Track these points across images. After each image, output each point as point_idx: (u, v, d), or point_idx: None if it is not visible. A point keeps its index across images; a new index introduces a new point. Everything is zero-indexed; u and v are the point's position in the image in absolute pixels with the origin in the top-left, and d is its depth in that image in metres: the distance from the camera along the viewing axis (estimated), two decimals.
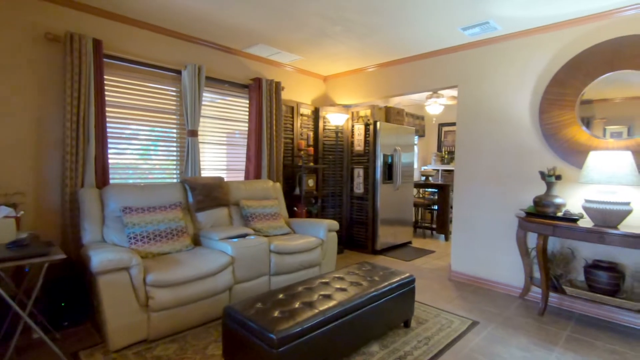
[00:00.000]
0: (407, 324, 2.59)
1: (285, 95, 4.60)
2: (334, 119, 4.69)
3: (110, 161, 3.12)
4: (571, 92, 2.98)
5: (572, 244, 3.03)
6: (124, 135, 3.22)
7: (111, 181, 3.12)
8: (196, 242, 3.12)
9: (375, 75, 4.55)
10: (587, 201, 2.63)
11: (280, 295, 2.09)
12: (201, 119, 3.76)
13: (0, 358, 2.07)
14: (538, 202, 2.92)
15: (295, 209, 4.45)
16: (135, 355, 2.15)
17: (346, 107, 4.96)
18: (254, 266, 2.88)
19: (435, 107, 5.69)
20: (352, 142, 4.92)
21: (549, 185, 2.93)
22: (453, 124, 7.04)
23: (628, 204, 2.50)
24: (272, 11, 2.98)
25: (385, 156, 4.77)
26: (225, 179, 4.05)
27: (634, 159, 2.63)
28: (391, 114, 5.18)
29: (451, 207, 5.61)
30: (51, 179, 2.82)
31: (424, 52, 3.96)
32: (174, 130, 3.56)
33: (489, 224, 3.54)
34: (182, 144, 3.60)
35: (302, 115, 4.79)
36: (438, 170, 7.16)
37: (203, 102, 3.78)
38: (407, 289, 2.49)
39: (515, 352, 2.30)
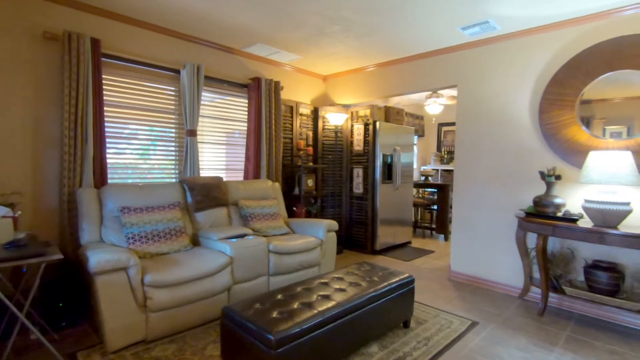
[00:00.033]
0: (406, 325, 2.58)
1: (284, 94, 4.59)
2: (334, 118, 4.68)
3: (108, 161, 3.11)
4: (571, 92, 2.97)
5: (571, 244, 3.02)
6: (122, 135, 3.21)
7: (110, 181, 3.11)
8: (195, 242, 3.11)
9: (375, 75, 4.54)
10: (586, 201, 2.63)
11: (279, 296, 2.08)
12: (200, 119, 3.75)
13: None
14: (538, 202, 2.91)
15: (295, 209, 4.44)
16: (133, 356, 2.14)
17: (345, 106, 4.95)
18: (253, 266, 2.87)
19: (434, 107, 5.68)
20: (352, 142, 4.91)
21: (549, 185, 2.93)
22: (453, 123, 7.04)
23: (628, 204, 2.49)
24: (271, 10, 2.96)
25: (384, 156, 4.76)
26: (225, 179, 4.04)
27: (634, 159, 2.62)
28: (391, 114, 5.17)
29: (451, 207, 5.60)
30: (49, 179, 2.81)
31: (423, 51, 3.95)
32: (173, 130, 3.54)
33: (488, 224, 3.53)
34: (181, 143, 3.59)
35: (301, 115, 4.78)
36: (437, 170, 7.15)
37: (202, 102, 3.77)
38: (406, 290, 2.48)
39: (514, 353, 2.29)
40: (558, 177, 2.92)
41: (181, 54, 3.56)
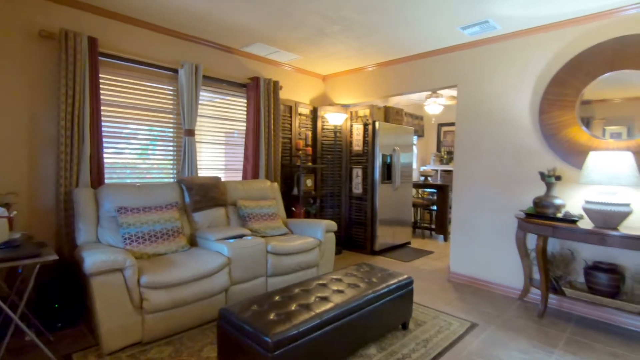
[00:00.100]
0: (405, 326, 2.56)
1: (283, 94, 4.57)
2: (333, 118, 4.66)
3: (107, 160, 3.09)
4: (571, 92, 2.96)
5: (571, 245, 3.00)
6: (120, 135, 3.18)
7: (108, 181, 3.09)
8: (192, 242, 3.08)
9: (374, 74, 4.52)
10: (587, 202, 2.61)
11: (277, 297, 2.06)
12: (199, 119, 3.73)
13: None
14: (538, 202, 2.89)
15: (294, 209, 4.42)
16: (129, 358, 2.12)
17: (345, 106, 4.93)
18: (251, 267, 2.85)
19: (434, 107, 5.67)
20: (351, 142, 4.89)
21: (549, 186, 2.91)
22: (452, 124, 7.02)
23: (628, 205, 2.47)
24: (271, 10, 2.94)
25: (384, 156, 4.74)
26: (223, 179, 4.02)
27: (634, 160, 2.60)
28: (390, 114, 5.15)
29: (450, 208, 5.58)
30: (45, 179, 2.79)
31: (423, 51, 3.93)
32: (171, 130, 3.52)
33: (488, 224, 3.52)
34: (179, 143, 3.57)
35: (300, 114, 4.76)
36: (437, 170, 7.13)
37: (201, 102, 3.75)
38: (405, 291, 2.47)
39: (514, 355, 2.27)
40: (558, 178, 2.90)
41: (179, 54, 3.54)
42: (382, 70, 4.43)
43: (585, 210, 2.61)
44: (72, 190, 2.74)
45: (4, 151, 2.60)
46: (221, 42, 3.76)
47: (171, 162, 3.54)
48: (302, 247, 3.19)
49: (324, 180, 4.96)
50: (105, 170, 3.09)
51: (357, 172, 4.82)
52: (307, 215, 4.59)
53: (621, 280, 2.65)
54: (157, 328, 2.30)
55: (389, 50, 3.90)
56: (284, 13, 3.00)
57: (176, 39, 3.51)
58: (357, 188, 4.83)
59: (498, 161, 3.44)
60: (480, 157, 3.56)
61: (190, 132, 3.46)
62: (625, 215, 2.46)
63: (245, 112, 4.16)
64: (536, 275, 3.17)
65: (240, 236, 3.01)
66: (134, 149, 3.28)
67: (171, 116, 3.51)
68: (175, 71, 3.48)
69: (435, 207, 5.93)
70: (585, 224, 2.64)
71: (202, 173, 3.81)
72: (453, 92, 5.54)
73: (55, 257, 1.95)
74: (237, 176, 4.15)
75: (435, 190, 6.18)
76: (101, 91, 3.01)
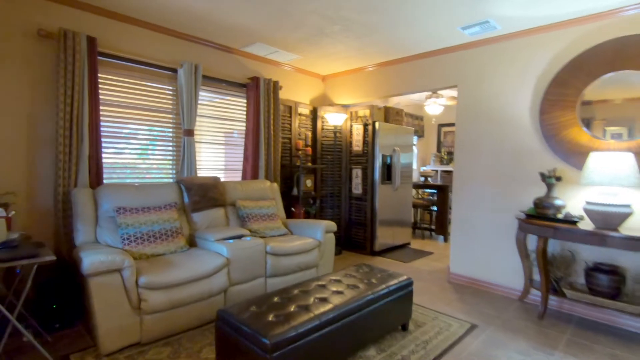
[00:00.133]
0: (404, 327, 2.55)
1: (283, 94, 4.56)
2: (333, 118, 4.65)
3: (106, 160, 3.08)
4: (572, 93, 2.95)
5: (572, 246, 2.99)
6: (119, 135, 3.17)
7: (108, 181, 3.09)
8: (191, 243, 3.07)
9: (375, 75, 4.51)
10: (588, 203, 2.60)
11: (276, 299, 2.05)
12: (198, 119, 3.72)
13: None
14: (538, 203, 2.88)
15: (293, 209, 4.41)
16: (127, 359, 2.11)
17: (345, 107, 4.92)
18: (250, 268, 2.84)
19: (434, 107, 5.66)
20: (351, 142, 4.88)
21: (549, 187, 2.90)
22: (452, 124, 7.01)
23: (629, 206, 2.46)
24: (271, 10, 2.93)
25: (384, 156, 4.73)
26: (223, 179, 4.01)
27: (635, 161, 2.58)
28: (390, 114, 5.14)
29: (450, 208, 5.57)
30: (44, 179, 2.78)
31: (423, 51, 3.92)
32: (170, 130, 3.51)
33: (488, 225, 3.50)
34: (179, 143, 3.56)
35: (300, 115, 4.75)
36: (437, 170, 7.12)
37: (200, 102, 3.74)
38: (405, 292, 2.45)
39: (514, 356, 2.26)
40: (558, 179, 2.89)
41: (179, 53, 3.53)
42: (382, 71, 4.42)
43: (585, 211, 2.60)
44: (71, 191, 2.73)
45: (2, 151, 2.60)
46: (221, 42, 3.75)
47: (170, 162, 3.53)
48: (302, 248, 3.18)
49: (324, 181, 4.95)
50: (105, 170, 3.08)
51: (357, 173, 4.81)
52: (307, 215, 4.58)
53: (622, 282, 2.64)
54: (156, 329, 2.29)
55: (389, 50, 3.89)
56: (284, 13, 2.99)
57: (176, 38, 3.50)
58: (357, 188, 4.82)
59: (498, 161, 3.42)
60: (480, 157, 3.55)
61: (190, 132, 3.45)
62: (625, 216, 2.45)
63: (245, 112, 4.15)
64: (536, 276, 3.16)
65: (240, 237, 3.00)
66: (133, 149, 3.27)
67: (170, 116, 3.50)
68: (175, 71, 3.47)
69: (435, 208, 5.92)
70: (586, 225, 2.63)
71: (201, 173, 3.80)
72: (453, 93, 5.53)
73: (53, 257, 1.94)
74: (237, 176, 4.14)
75: (435, 191, 6.17)
76: (100, 91, 3.00)
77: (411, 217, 5.46)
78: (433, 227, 6.14)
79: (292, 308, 1.93)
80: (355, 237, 4.88)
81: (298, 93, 4.79)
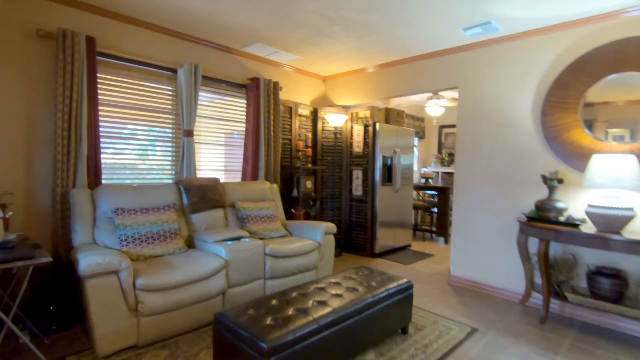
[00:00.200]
0: (404, 331, 2.52)
1: (283, 95, 4.54)
2: (333, 119, 4.63)
3: (105, 161, 3.07)
4: (574, 94, 2.92)
5: (574, 249, 2.96)
6: (118, 135, 3.16)
7: (108, 181, 3.07)
8: (190, 244, 3.05)
9: (375, 75, 4.49)
10: (590, 206, 2.57)
11: (274, 302, 2.03)
12: (198, 119, 3.70)
13: None
14: (540, 206, 2.85)
15: (293, 210, 4.39)
16: None
17: (345, 108, 4.90)
18: (249, 270, 2.82)
19: (435, 108, 5.63)
20: (351, 144, 4.86)
21: (551, 189, 2.87)
22: (453, 125, 6.98)
23: (632, 209, 2.44)
24: (271, 10, 2.92)
25: (384, 158, 4.70)
26: (223, 180, 3.99)
27: (638, 163, 2.56)
28: (391, 116, 5.12)
29: (451, 210, 5.54)
30: (42, 179, 2.76)
31: (424, 52, 3.90)
32: (170, 130, 3.49)
33: (489, 227, 3.48)
34: (178, 144, 3.54)
35: (300, 115, 4.73)
36: (438, 172, 7.09)
37: (200, 102, 3.73)
38: (404, 295, 2.43)
39: None
40: (560, 181, 2.86)
41: (179, 53, 3.51)
42: (382, 72, 4.40)
43: (588, 214, 2.57)
44: (69, 191, 2.71)
45: (0, 151, 2.58)
46: (221, 42, 3.73)
47: (170, 162, 3.52)
48: (301, 250, 3.16)
49: (324, 182, 4.92)
50: (105, 171, 3.07)
51: (358, 174, 4.78)
52: (307, 217, 4.56)
53: (624, 286, 2.61)
54: (153, 331, 2.27)
55: (390, 50, 3.87)
56: (283, 13, 2.98)
57: (175, 38, 3.49)
58: (358, 190, 4.79)
59: (499, 163, 3.40)
60: (481, 159, 3.53)
61: (189, 133, 3.43)
62: (628, 219, 2.42)
63: (244, 113, 4.13)
64: (538, 279, 3.13)
65: (238, 238, 2.98)
66: (133, 149, 3.25)
67: (170, 116, 3.49)
68: (174, 71, 3.45)
69: (436, 210, 5.89)
70: (588, 228, 2.61)
71: (201, 174, 3.78)
72: (454, 94, 5.51)
73: (49, 259, 1.92)
74: (237, 177, 4.12)
75: (436, 193, 6.14)
76: (99, 91, 2.99)
77: (412, 218, 5.44)
78: (434, 229, 6.11)
79: (291, 311, 1.91)
80: (356, 238, 4.85)
81: (298, 94, 4.78)
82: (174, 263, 2.49)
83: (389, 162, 4.81)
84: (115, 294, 2.13)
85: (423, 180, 6.21)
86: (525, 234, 2.93)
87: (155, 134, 3.40)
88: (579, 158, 2.91)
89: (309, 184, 4.68)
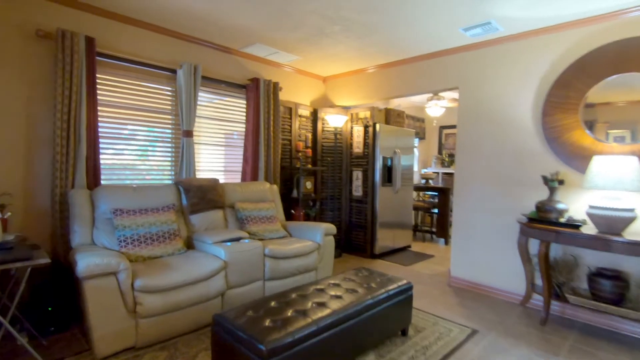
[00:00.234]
0: (404, 333, 2.51)
1: (283, 96, 4.53)
2: (333, 120, 4.62)
3: (105, 162, 3.06)
4: (575, 95, 2.91)
5: (574, 250, 2.95)
6: (118, 135, 3.15)
7: (108, 182, 3.06)
8: (189, 245, 3.04)
9: (375, 76, 4.48)
10: (591, 207, 2.56)
11: (273, 303, 2.02)
12: (198, 120, 3.70)
13: None
14: (540, 207, 2.84)
15: (293, 211, 4.38)
16: None
17: (345, 108, 4.89)
18: (248, 271, 2.81)
19: (435, 109, 5.62)
20: (351, 144, 4.85)
21: (552, 190, 2.86)
22: (454, 126, 6.96)
23: (633, 210, 2.42)
24: (271, 10, 2.91)
25: (384, 159, 4.69)
26: (223, 181, 3.98)
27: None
28: (391, 116, 5.11)
29: (451, 211, 5.53)
30: (41, 179, 2.75)
31: (424, 53, 3.89)
32: (169, 131, 3.49)
33: (489, 228, 3.46)
34: (178, 144, 3.54)
35: (300, 116, 4.72)
36: (438, 173, 7.08)
37: (200, 103, 3.72)
38: (404, 297, 2.42)
39: None
40: (561, 182, 2.85)
41: (178, 54, 3.51)
42: (383, 72, 4.39)
43: (589, 215, 2.56)
44: (68, 192, 2.70)
45: None
46: (220, 42, 3.73)
47: (169, 163, 3.51)
48: (301, 251, 3.15)
49: (324, 183, 4.91)
50: (105, 172, 3.06)
51: (358, 175, 4.77)
52: (307, 218, 4.54)
53: (625, 287, 2.60)
54: (151, 333, 2.26)
55: (390, 51, 3.86)
56: (283, 13, 2.97)
57: (175, 39, 3.48)
58: (358, 191, 4.78)
59: (500, 164, 3.39)
60: (481, 159, 3.51)
61: (189, 133, 3.43)
62: (629, 220, 2.41)
63: (244, 114, 4.12)
64: (538, 280, 3.11)
65: (238, 239, 2.97)
66: (133, 150, 3.25)
67: (169, 117, 3.48)
68: (174, 71, 3.45)
69: (436, 210, 5.88)
70: (589, 229, 2.59)
71: (201, 175, 3.77)
72: (455, 95, 5.50)
73: (47, 260, 1.91)
74: (236, 178, 4.11)
75: (436, 193, 6.13)
76: (98, 91, 2.98)
77: (412, 219, 5.42)
78: (434, 229, 6.09)
79: (290, 313, 1.90)
80: (356, 239, 4.84)
81: (298, 94, 4.77)
82: (173, 264, 2.48)
83: (389, 163, 4.79)
84: (113, 295, 2.13)
85: (423, 181, 6.20)
86: (525, 235, 2.92)
87: (155, 134, 3.39)
88: (579, 159, 2.90)
89: (309, 185, 4.67)
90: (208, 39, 3.63)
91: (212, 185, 3.34)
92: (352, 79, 4.75)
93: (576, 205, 2.94)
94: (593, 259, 2.85)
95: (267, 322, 1.78)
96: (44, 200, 2.77)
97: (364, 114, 4.72)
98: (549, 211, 2.79)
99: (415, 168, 7.04)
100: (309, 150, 4.79)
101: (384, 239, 4.77)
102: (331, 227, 3.49)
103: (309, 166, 4.72)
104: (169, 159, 3.50)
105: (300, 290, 2.24)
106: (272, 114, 4.16)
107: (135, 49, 3.21)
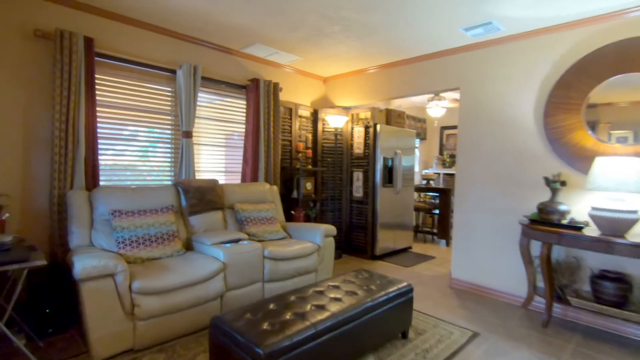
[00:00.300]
0: (404, 335, 2.48)
1: (283, 96, 4.52)
2: (333, 121, 4.60)
3: (105, 162, 3.05)
4: (577, 95, 2.88)
5: (577, 252, 2.92)
6: (117, 136, 3.14)
7: (108, 183, 3.05)
8: (188, 246, 3.03)
9: (376, 76, 4.46)
10: (593, 209, 2.53)
11: (271, 305, 2.00)
12: (197, 120, 3.68)
13: None
14: (542, 208, 2.81)
15: (293, 212, 4.36)
16: None
17: (346, 109, 4.87)
18: (247, 272, 2.79)
19: (436, 109, 5.59)
20: (352, 145, 4.83)
21: (554, 192, 2.83)
22: (455, 127, 6.94)
23: (636, 212, 2.40)
24: (270, 10, 2.89)
25: (385, 159, 4.67)
26: (223, 182, 3.97)
27: None
28: (392, 117, 5.09)
29: (452, 212, 5.50)
30: (39, 181, 2.74)
31: (425, 53, 3.87)
32: (169, 131, 3.47)
33: (490, 230, 3.44)
34: (177, 145, 3.52)
35: (300, 117, 4.70)
36: (439, 173, 7.05)
37: (199, 103, 3.71)
38: (405, 299, 2.39)
39: None
40: (563, 183, 2.82)
41: (178, 54, 3.49)
42: (383, 72, 4.37)
43: (591, 217, 2.53)
44: (66, 193, 2.69)
45: None
46: (220, 42, 3.71)
47: (169, 164, 3.49)
48: (300, 252, 3.13)
49: (324, 184, 4.89)
50: (104, 173, 3.05)
51: (358, 176, 4.75)
52: (307, 219, 4.52)
53: (629, 290, 2.57)
54: (149, 335, 2.24)
55: (390, 51, 3.84)
56: (282, 13, 2.95)
57: (174, 39, 3.47)
58: (358, 191, 4.76)
59: (501, 165, 3.36)
60: (483, 160, 3.49)
61: (188, 134, 3.41)
62: (633, 222, 2.38)
63: (244, 114, 4.11)
64: (540, 283, 3.08)
65: (237, 240, 2.95)
66: (133, 150, 3.23)
67: (169, 118, 3.47)
68: (174, 72, 3.43)
69: (437, 211, 5.85)
70: (592, 231, 2.56)
71: (200, 175, 3.76)
72: (456, 95, 5.47)
73: (44, 262, 1.89)
74: (236, 179, 4.09)
75: (437, 194, 6.10)
76: (97, 92, 2.97)
77: (413, 220, 5.40)
78: (435, 230, 6.06)
79: (288, 316, 1.88)
80: (356, 240, 4.81)
81: (298, 95, 4.75)
82: (171, 266, 2.46)
83: (390, 164, 4.77)
84: (111, 297, 2.11)
85: (424, 182, 6.17)
86: (527, 236, 2.89)
87: (155, 135, 3.37)
88: (582, 160, 2.87)
89: (309, 186, 4.65)
90: (208, 39, 3.61)
91: (212, 186, 3.32)
92: (353, 80, 4.73)
93: (578, 206, 2.91)
94: (596, 261, 2.82)
95: (265, 325, 1.76)
96: (42, 202, 2.75)
97: (365, 114, 4.70)
98: (551, 213, 2.76)
99: (416, 169, 7.01)
100: (309, 151, 4.77)
101: (385, 240, 4.74)
102: (331, 229, 3.47)
103: (309, 167, 4.70)
104: (169, 159, 3.48)
105: (299, 292, 2.22)
106: (272, 114, 4.14)
107: (134, 49, 3.20)
